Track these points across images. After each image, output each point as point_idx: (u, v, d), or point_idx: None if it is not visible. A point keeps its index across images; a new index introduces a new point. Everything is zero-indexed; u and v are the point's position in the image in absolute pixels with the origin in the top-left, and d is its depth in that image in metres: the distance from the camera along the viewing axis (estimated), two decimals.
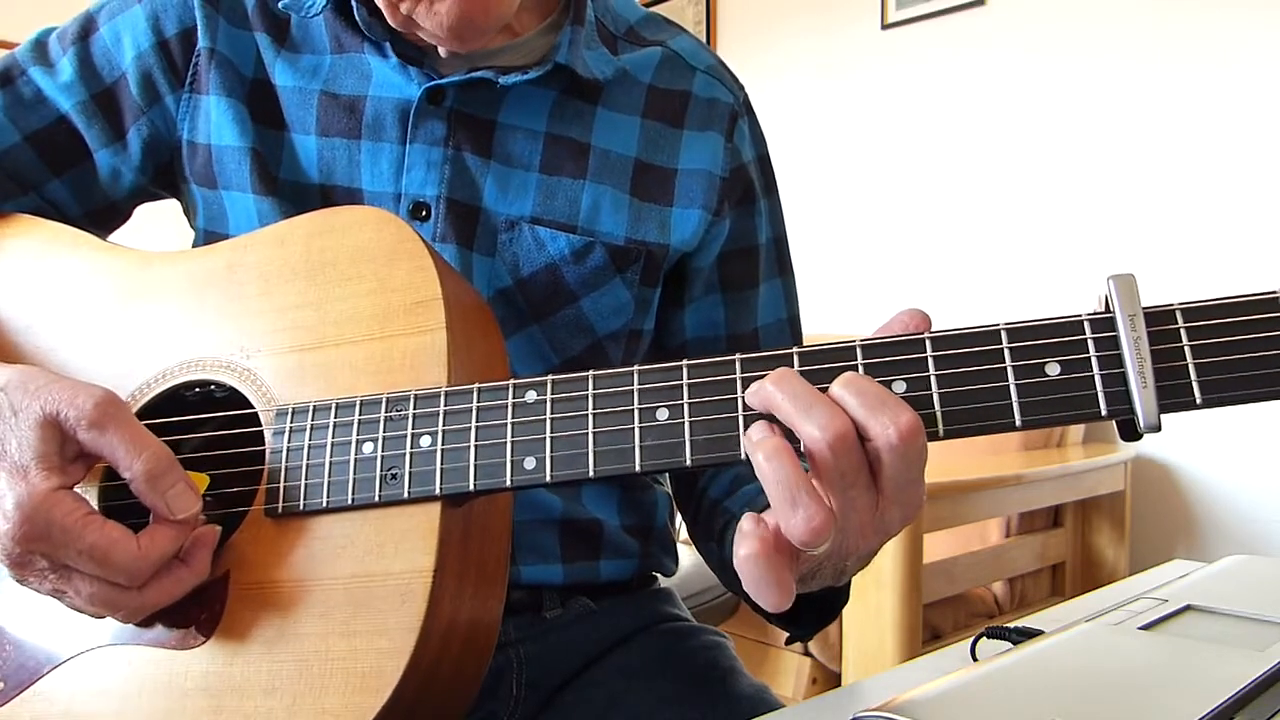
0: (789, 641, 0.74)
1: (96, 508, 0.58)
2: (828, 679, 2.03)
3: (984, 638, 0.66)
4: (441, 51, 0.73)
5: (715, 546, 0.76)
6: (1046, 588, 2.26)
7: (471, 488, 0.52)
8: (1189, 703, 0.43)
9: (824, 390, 0.46)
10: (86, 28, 0.75)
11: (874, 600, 1.73)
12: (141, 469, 0.52)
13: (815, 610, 0.66)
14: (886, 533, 0.48)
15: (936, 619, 1.99)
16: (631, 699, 0.72)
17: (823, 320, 2.79)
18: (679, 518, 0.87)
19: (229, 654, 0.54)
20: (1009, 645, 0.62)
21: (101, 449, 0.52)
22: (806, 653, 2.03)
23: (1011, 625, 0.65)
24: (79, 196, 0.76)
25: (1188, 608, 0.61)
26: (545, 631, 0.75)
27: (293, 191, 0.72)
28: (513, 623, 0.73)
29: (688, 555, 0.86)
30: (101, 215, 0.78)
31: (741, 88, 0.83)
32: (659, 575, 0.86)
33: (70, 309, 0.66)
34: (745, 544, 0.45)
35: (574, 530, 0.75)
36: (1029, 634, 0.62)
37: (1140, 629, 0.56)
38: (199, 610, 0.55)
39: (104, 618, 0.55)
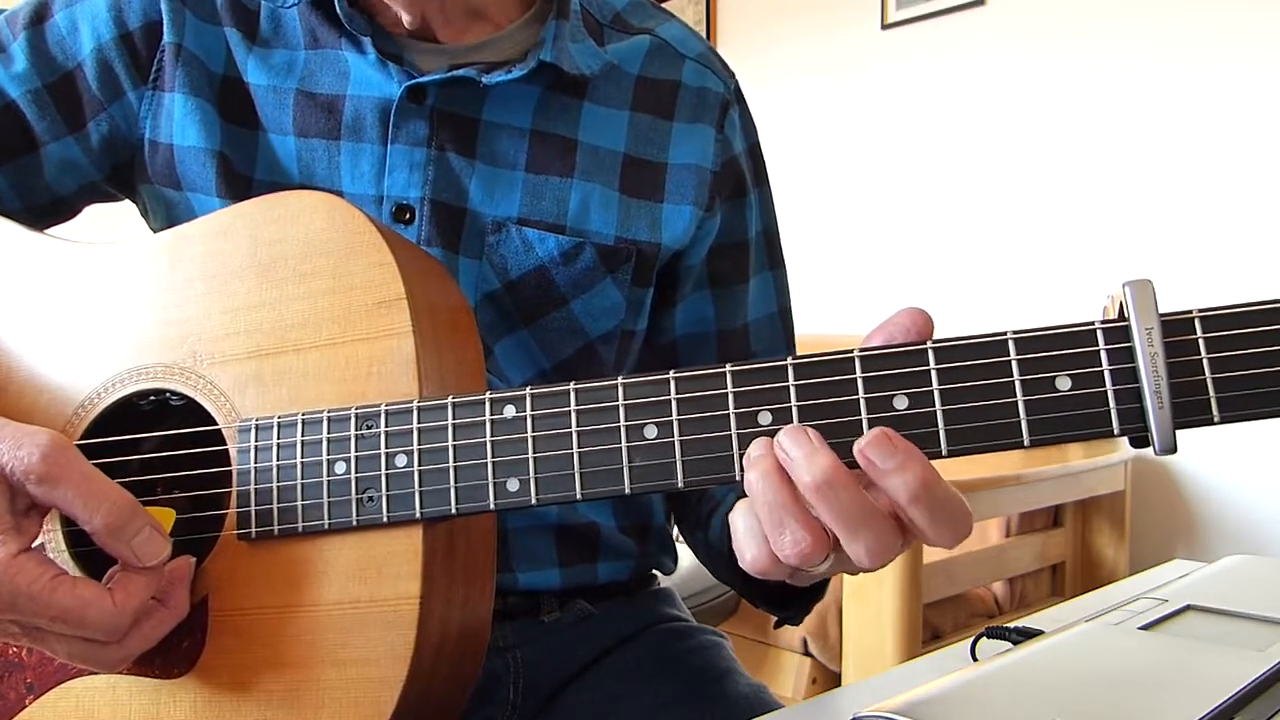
0: (777, 625, 0.74)
1: (64, 547, 0.56)
2: (828, 679, 2.02)
3: (984, 638, 0.66)
4: (433, 23, 0.71)
5: (702, 534, 0.76)
6: (1046, 588, 2.26)
7: (453, 511, 0.50)
8: (1189, 703, 0.42)
9: (871, 440, 0.44)
10: (40, 13, 0.72)
11: (874, 600, 1.73)
12: (101, 523, 0.48)
13: (805, 595, 0.67)
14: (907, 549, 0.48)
15: (936, 619, 1.98)
16: (629, 702, 0.72)
17: (823, 321, 2.79)
18: None
19: (216, 684, 0.53)
20: (1009, 645, 0.62)
21: (56, 503, 0.49)
22: (806, 653, 2.03)
23: (1011, 625, 0.65)
24: (19, 189, 0.72)
25: (1188, 608, 0.61)
26: (543, 636, 0.74)
27: (270, 192, 0.71)
28: (510, 627, 0.73)
29: (688, 555, 0.86)
30: (43, 210, 0.74)
31: (732, 75, 0.82)
32: (658, 574, 0.85)
33: (2, 310, 0.62)
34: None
35: (571, 535, 0.75)
36: (1029, 634, 0.62)
37: (1140, 629, 0.56)
38: (179, 638, 0.53)
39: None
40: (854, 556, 0.45)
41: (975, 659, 0.65)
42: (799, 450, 0.44)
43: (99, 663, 0.51)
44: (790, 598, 0.69)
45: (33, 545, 0.50)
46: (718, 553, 0.72)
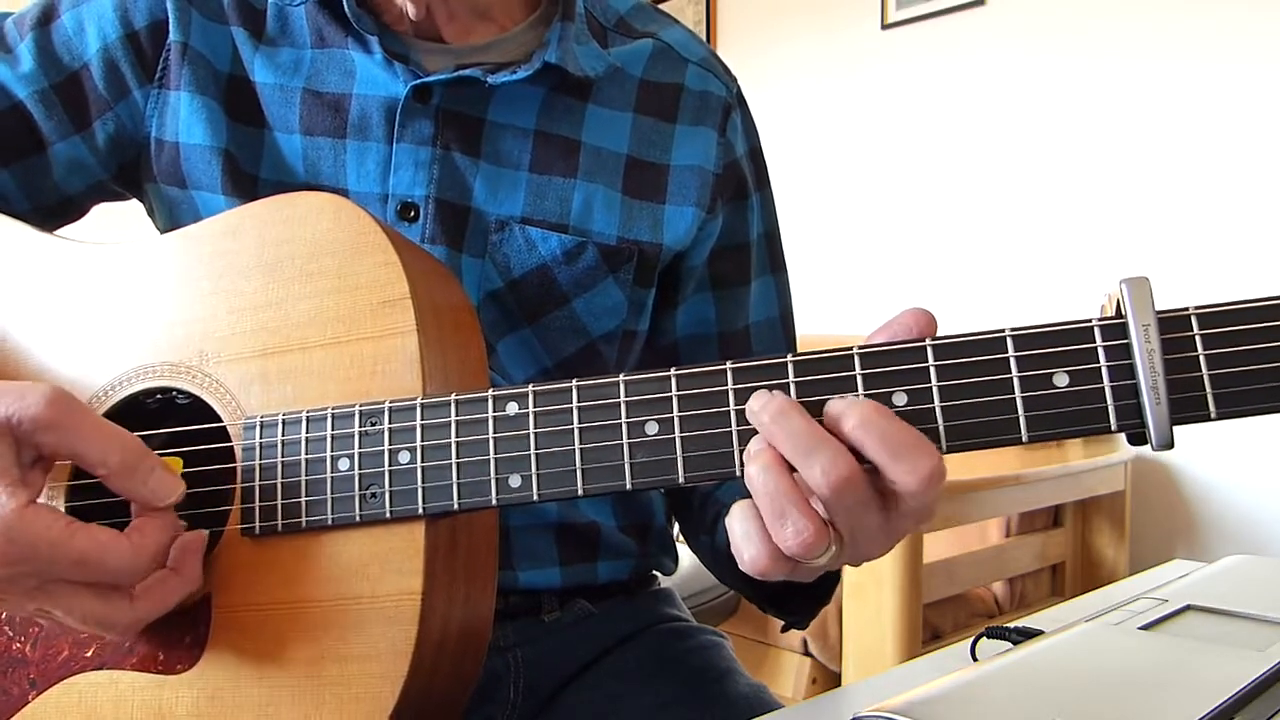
0: (784, 629, 0.74)
1: (63, 508, 0.56)
2: (828, 679, 2.03)
3: (984, 638, 0.66)
4: (439, 21, 0.71)
5: (707, 538, 0.76)
6: (1046, 588, 2.26)
7: (455, 507, 0.50)
8: (1189, 703, 0.43)
9: (830, 399, 0.45)
10: (47, 14, 0.72)
11: (874, 600, 1.73)
12: (116, 462, 0.48)
13: (810, 597, 0.66)
14: (899, 537, 0.48)
15: (936, 619, 1.99)
16: (628, 702, 0.72)
17: (824, 322, 2.79)
18: None
19: (219, 680, 0.53)
20: (1009, 645, 0.62)
21: (68, 447, 0.48)
22: (806, 653, 2.03)
23: (1011, 625, 0.65)
24: (27, 190, 0.72)
25: (1188, 608, 0.61)
26: (543, 635, 0.74)
27: (275, 191, 0.70)
28: (511, 626, 0.73)
29: (688, 555, 0.87)
30: (51, 210, 0.74)
31: (734, 79, 0.82)
32: (659, 574, 0.86)
33: (10, 309, 0.62)
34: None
35: (571, 534, 0.75)
36: (1029, 634, 0.62)
37: (1140, 629, 0.56)
38: (182, 633, 0.54)
39: (95, 634, 0.53)
40: (814, 485, 0.44)
41: (975, 659, 0.65)
42: (758, 401, 0.46)
43: (110, 624, 0.50)
44: (794, 597, 0.69)
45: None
46: (723, 556, 0.72)
